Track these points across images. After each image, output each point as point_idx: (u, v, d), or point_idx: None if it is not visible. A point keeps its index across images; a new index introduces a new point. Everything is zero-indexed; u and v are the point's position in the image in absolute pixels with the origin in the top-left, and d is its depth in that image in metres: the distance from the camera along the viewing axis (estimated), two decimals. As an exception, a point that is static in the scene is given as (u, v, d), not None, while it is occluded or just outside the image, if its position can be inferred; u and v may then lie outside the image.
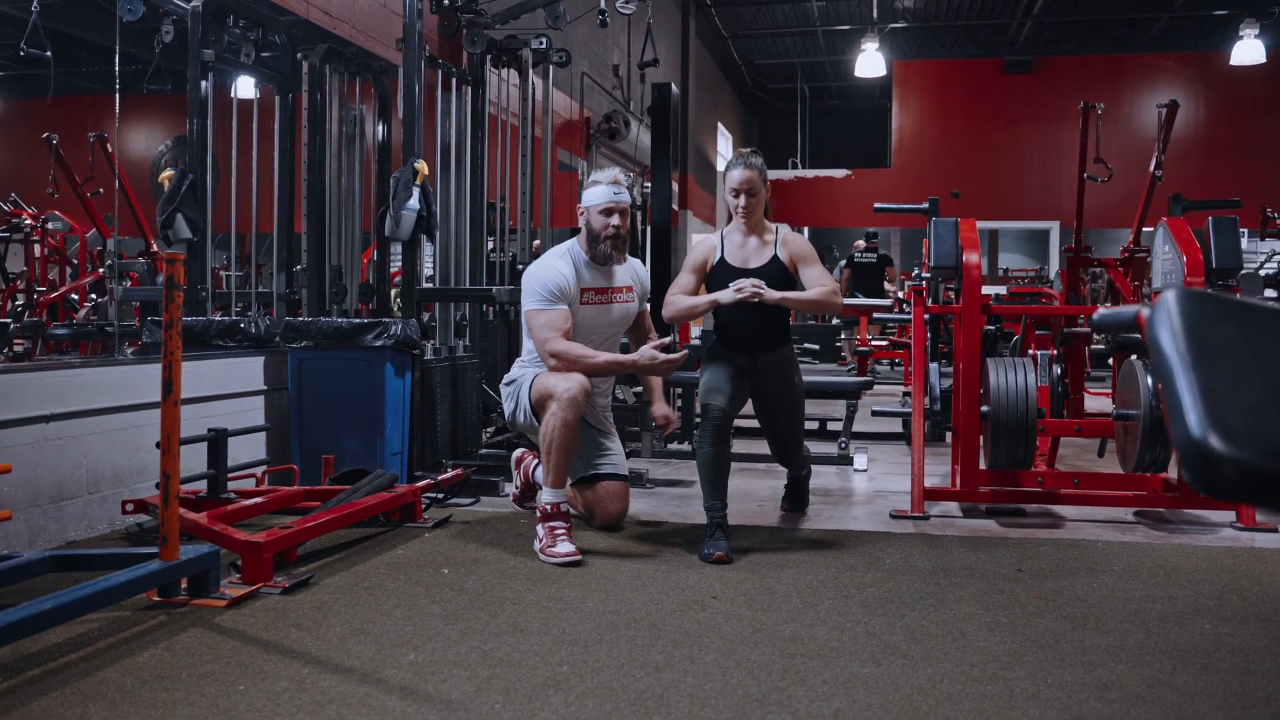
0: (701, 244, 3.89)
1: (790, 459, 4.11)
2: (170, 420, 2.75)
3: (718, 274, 3.79)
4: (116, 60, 4.90)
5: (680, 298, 3.78)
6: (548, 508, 3.49)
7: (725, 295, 3.67)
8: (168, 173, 5.03)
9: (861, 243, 12.73)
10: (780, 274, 3.76)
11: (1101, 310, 1.35)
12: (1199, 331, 1.08)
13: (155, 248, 7.16)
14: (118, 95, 4.98)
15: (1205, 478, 0.98)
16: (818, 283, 3.76)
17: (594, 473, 3.92)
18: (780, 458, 4.12)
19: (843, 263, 13.50)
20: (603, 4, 5.02)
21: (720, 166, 18.48)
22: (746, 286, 3.63)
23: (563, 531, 3.43)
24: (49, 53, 5.35)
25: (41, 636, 2.50)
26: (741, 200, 3.75)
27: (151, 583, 2.73)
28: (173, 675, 2.30)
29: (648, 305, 4.10)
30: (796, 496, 4.35)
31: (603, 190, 3.82)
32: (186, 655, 2.43)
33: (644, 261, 7.76)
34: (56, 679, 2.27)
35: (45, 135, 6.92)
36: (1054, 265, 16.57)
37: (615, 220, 3.80)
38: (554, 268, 3.80)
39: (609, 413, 4.10)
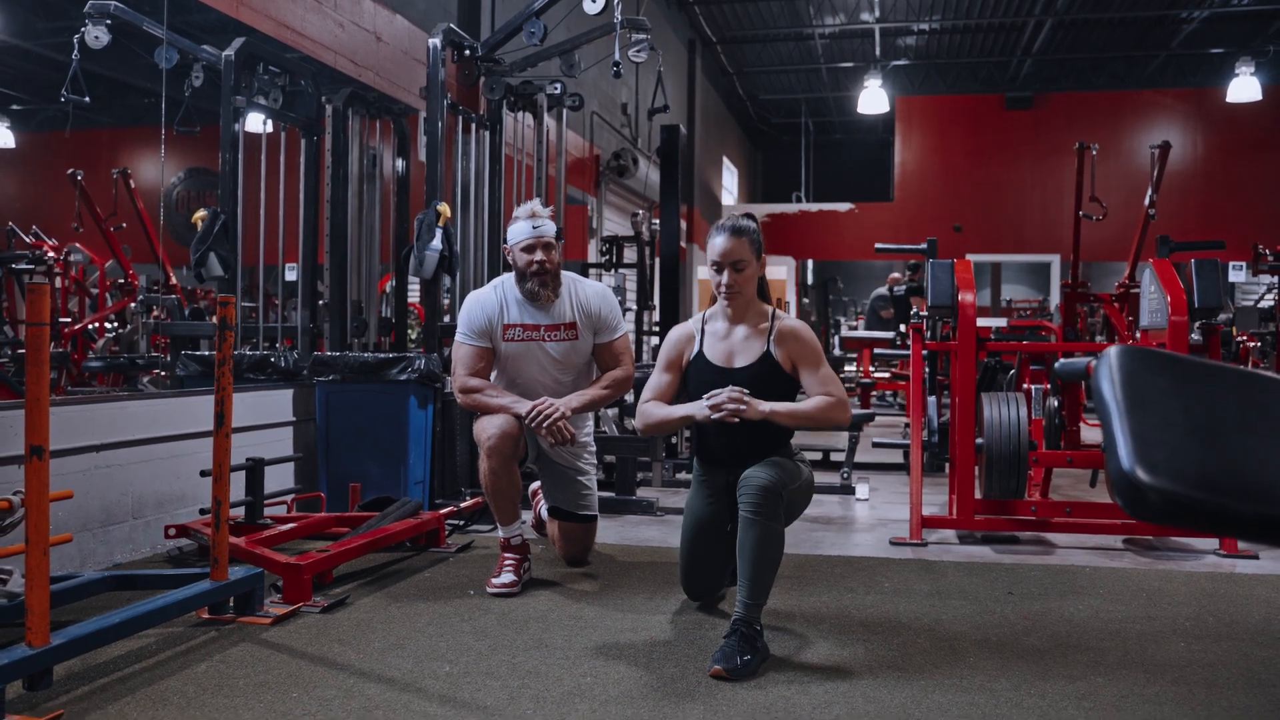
0: (676, 333, 3.27)
1: (751, 476, 2.88)
2: (222, 450, 2.98)
3: (695, 373, 3.15)
4: (163, 106, 5.19)
5: (652, 407, 3.16)
6: (501, 542, 3.62)
7: (698, 411, 2.98)
8: (201, 213, 5.30)
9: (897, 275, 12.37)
10: (771, 376, 3.05)
11: (1061, 361, 1.58)
12: (1134, 382, 1.30)
13: (174, 279, 7.43)
14: (163, 141, 5.25)
15: (1134, 504, 1.21)
16: (819, 391, 3.03)
17: (557, 507, 3.89)
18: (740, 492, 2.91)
19: (867, 301, 13.48)
20: (616, 55, 5.28)
21: (726, 200, 18.80)
22: (724, 401, 2.92)
23: (510, 563, 3.53)
24: (88, 98, 5.64)
25: (106, 649, 2.71)
26: (725, 277, 3.06)
27: (204, 601, 2.95)
28: (230, 684, 2.52)
29: (614, 338, 3.81)
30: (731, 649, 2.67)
31: (522, 226, 3.69)
32: (240, 666, 2.65)
33: (651, 295, 8.01)
34: (125, 686, 2.49)
35: (70, 171, 7.20)
36: (1055, 297, 16.81)
37: (538, 255, 3.65)
38: (479, 302, 3.77)
39: (589, 449, 3.93)
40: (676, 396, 3.19)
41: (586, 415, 3.92)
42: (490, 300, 3.77)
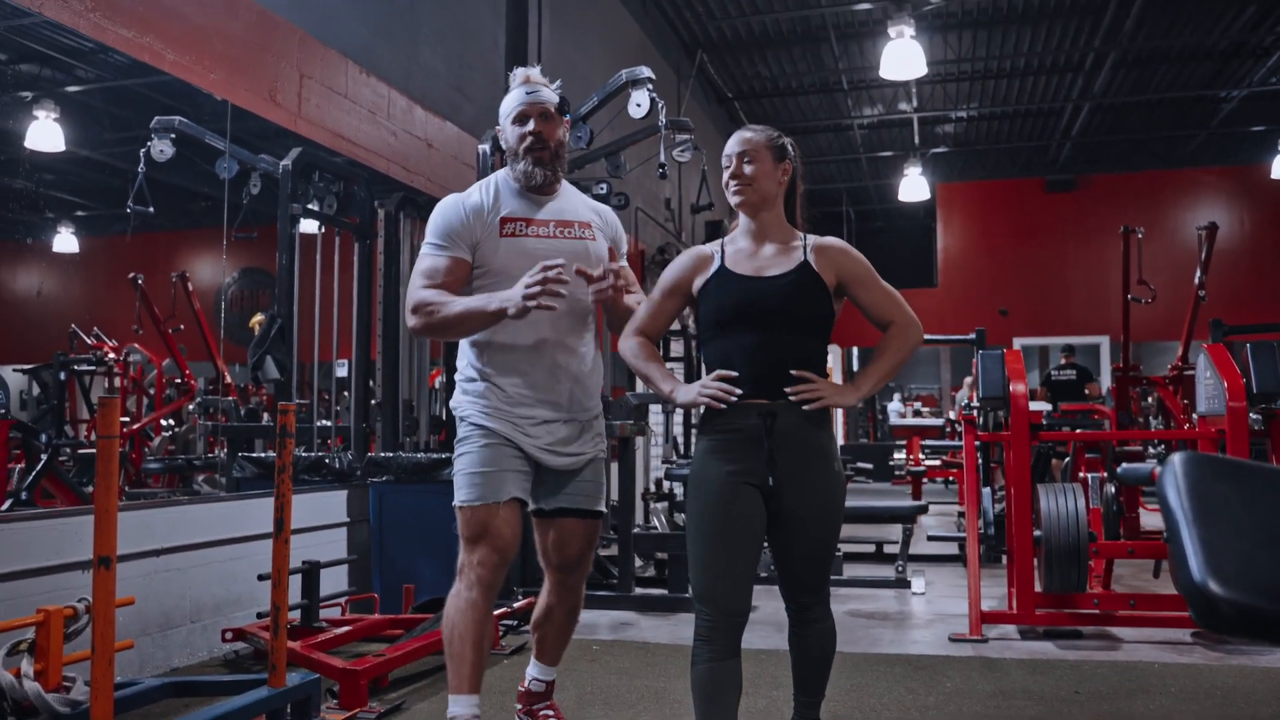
0: (688, 254, 2.59)
1: (804, 592, 2.47)
2: (281, 556, 3.01)
3: (716, 290, 2.48)
4: (224, 214, 5.37)
5: (639, 348, 2.53)
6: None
7: (689, 399, 2.39)
8: (258, 317, 5.45)
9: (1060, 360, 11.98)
10: (813, 289, 2.51)
11: (1124, 467, 1.58)
12: (1199, 490, 1.30)
13: (229, 378, 7.61)
14: (224, 249, 5.42)
15: (1207, 616, 1.19)
16: (890, 314, 2.60)
17: (556, 508, 2.91)
18: (789, 589, 2.49)
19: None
20: (662, 157, 5.39)
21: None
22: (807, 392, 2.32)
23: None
24: (151, 208, 5.86)
25: (166, 759, 2.73)
26: (733, 166, 2.53)
27: (262, 708, 2.95)
28: (289, 795, 2.51)
29: (625, 251, 3.05)
30: None
31: (514, 95, 2.84)
32: (299, 777, 2.64)
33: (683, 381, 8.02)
34: (185, 799, 2.49)
35: (131, 275, 7.44)
36: (1105, 379, 16.59)
37: (532, 126, 2.78)
38: (459, 198, 2.85)
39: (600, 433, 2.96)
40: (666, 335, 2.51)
41: (597, 391, 2.95)
42: (481, 192, 2.85)
